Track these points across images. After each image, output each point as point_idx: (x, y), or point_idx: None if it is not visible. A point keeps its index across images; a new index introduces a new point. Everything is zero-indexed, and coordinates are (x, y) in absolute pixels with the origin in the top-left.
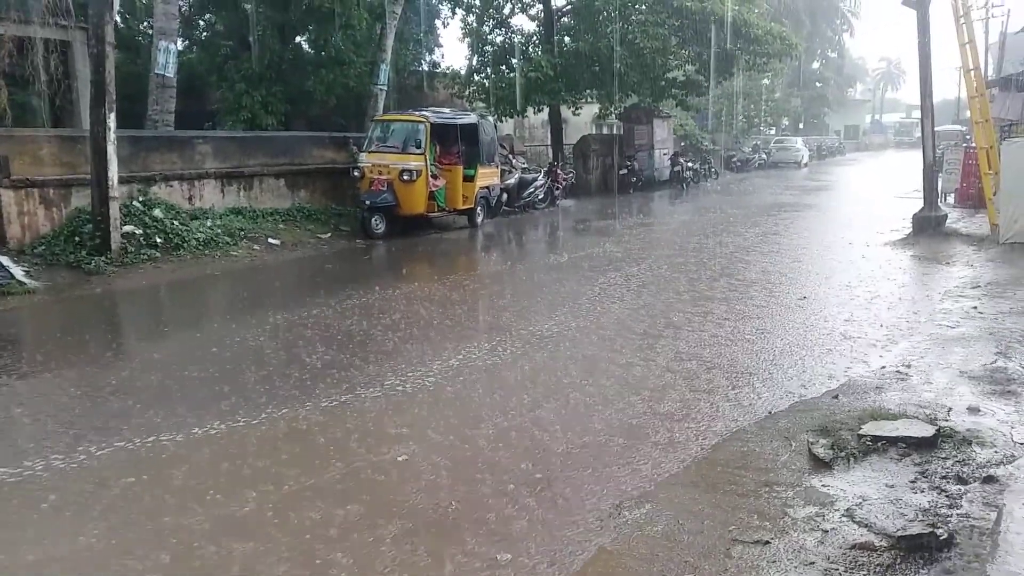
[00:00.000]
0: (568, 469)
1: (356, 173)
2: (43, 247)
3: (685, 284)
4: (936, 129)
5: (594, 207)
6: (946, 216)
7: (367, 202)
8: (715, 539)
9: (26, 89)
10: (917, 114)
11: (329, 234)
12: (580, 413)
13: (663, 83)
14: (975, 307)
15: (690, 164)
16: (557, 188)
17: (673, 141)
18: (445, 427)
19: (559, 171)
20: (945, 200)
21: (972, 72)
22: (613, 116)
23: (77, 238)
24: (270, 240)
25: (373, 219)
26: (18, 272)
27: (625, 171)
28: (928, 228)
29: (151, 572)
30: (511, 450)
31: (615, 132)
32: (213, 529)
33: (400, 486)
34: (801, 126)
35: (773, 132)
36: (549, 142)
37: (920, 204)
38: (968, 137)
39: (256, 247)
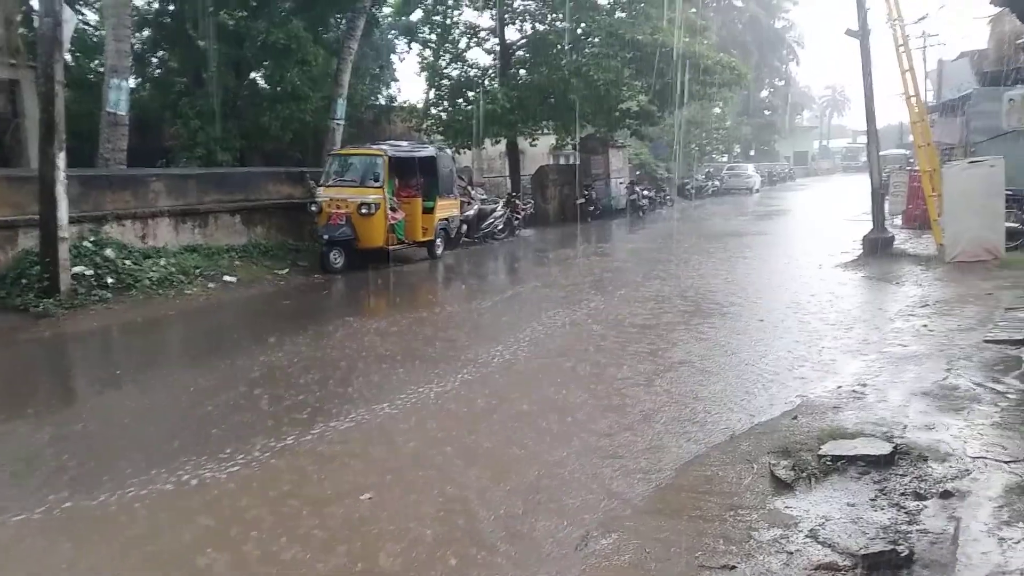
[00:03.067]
0: (532, 504)
1: (314, 208)
2: None
3: (644, 311)
4: (881, 153)
5: (553, 236)
6: (894, 237)
7: (325, 236)
8: (682, 566)
9: None
10: (863, 139)
11: (287, 270)
12: (542, 445)
13: (617, 113)
14: (925, 325)
15: (645, 192)
16: (516, 218)
17: (629, 170)
18: (408, 464)
19: (518, 201)
20: (892, 222)
21: (913, 98)
22: (569, 147)
23: (24, 280)
24: (226, 278)
25: (332, 253)
26: None
27: (582, 200)
28: (877, 249)
29: None
30: (471, 487)
31: (572, 162)
32: None
33: (362, 528)
34: (752, 153)
35: (725, 159)
36: (507, 173)
37: (869, 226)
38: (912, 160)
39: (212, 285)
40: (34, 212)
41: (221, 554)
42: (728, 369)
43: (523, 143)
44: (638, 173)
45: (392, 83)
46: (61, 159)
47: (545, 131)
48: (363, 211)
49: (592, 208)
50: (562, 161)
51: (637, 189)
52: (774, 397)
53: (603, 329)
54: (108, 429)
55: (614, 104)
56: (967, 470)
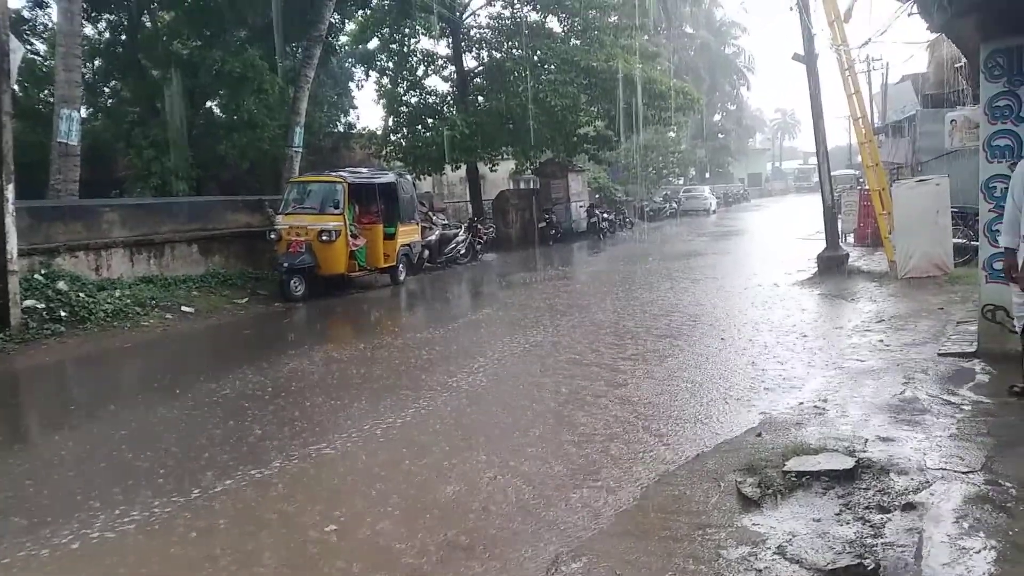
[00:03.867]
0: (499, 529)
1: (273, 236)
2: None
3: (607, 332)
4: (832, 174)
5: (515, 260)
6: (847, 255)
7: (285, 264)
8: None
9: None
10: (814, 161)
11: (246, 299)
12: (506, 469)
13: (575, 138)
14: (881, 340)
15: (605, 215)
16: (479, 243)
17: (588, 193)
18: (374, 492)
19: (479, 226)
20: (845, 240)
21: (860, 120)
22: (529, 171)
23: None
24: (183, 308)
25: (292, 281)
26: None
27: (544, 224)
28: (832, 267)
29: None
30: (437, 514)
31: (532, 187)
32: None
33: (328, 560)
34: (708, 175)
35: (682, 182)
36: (468, 198)
37: (823, 245)
38: (862, 180)
39: (169, 316)
40: None
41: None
42: (692, 388)
43: (483, 168)
44: (597, 196)
45: (351, 110)
46: (10, 191)
47: (505, 156)
48: (323, 238)
49: (553, 232)
50: (522, 186)
51: (597, 212)
52: (737, 415)
53: (566, 352)
54: (59, 468)
55: (572, 129)
56: (927, 482)
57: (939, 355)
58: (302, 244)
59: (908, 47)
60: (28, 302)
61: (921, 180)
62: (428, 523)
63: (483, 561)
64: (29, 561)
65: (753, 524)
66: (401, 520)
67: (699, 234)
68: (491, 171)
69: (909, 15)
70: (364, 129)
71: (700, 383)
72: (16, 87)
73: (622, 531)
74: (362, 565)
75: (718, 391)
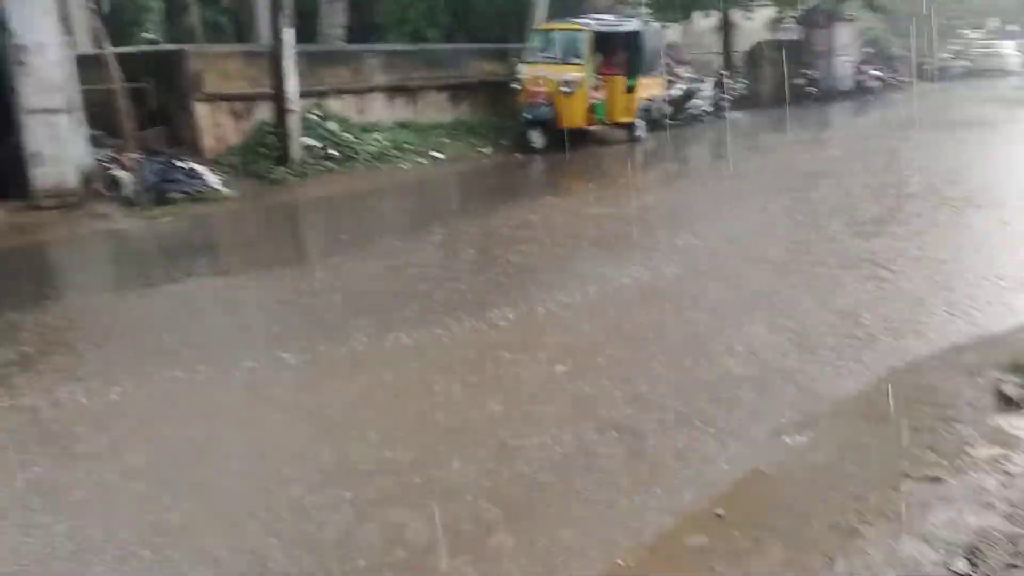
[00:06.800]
0: (720, 394)
1: (515, 86)
2: (233, 157)
3: (871, 203)
4: None
5: (764, 120)
6: None
7: (526, 115)
8: (883, 472)
9: (214, 7)
10: None
11: (490, 148)
12: (737, 335)
13: None
14: None
15: (875, 73)
16: (725, 100)
17: (858, 47)
18: (607, 343)
19: (728, 81)
20: None
21: None
22: (790, 20)
23: (261, 149)
24: (434, 154)
25: (532, 133)
26: (214, 180)
27: (801, 80)
28: None
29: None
30: (660, 372)
31: (792, 38)
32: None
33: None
34: (1015, 27)
35: (979, 36)
36: (718, 50)
37: None
38: None
39: (421, 160)
40: (266, 86)
41: (454, 386)
42: (958, 273)
43: (737, 16)
44: (869, 51)
45: None
46: (289, 35)
47: (762, 3)
48: (564, 89)
49: (812, 89)
50: (781, 37)
51: (866, 69)
52: (1009, 308)
53: (822, 220)
54: (343, 287)
55: None
56: None
57: None
58: (543, 95)
59: None
60: (306, 139)
61: None
62: (665, 377)
63: (697, 422)
64: (323, 356)
65: (1011, 426)
66: (637, 367)
67: (991, 99)
68: (746, 19)
69: None
70: None
71: (971, 267)
72: None
73: (857, 412)
74: (588, 398)
75: (990, 278)
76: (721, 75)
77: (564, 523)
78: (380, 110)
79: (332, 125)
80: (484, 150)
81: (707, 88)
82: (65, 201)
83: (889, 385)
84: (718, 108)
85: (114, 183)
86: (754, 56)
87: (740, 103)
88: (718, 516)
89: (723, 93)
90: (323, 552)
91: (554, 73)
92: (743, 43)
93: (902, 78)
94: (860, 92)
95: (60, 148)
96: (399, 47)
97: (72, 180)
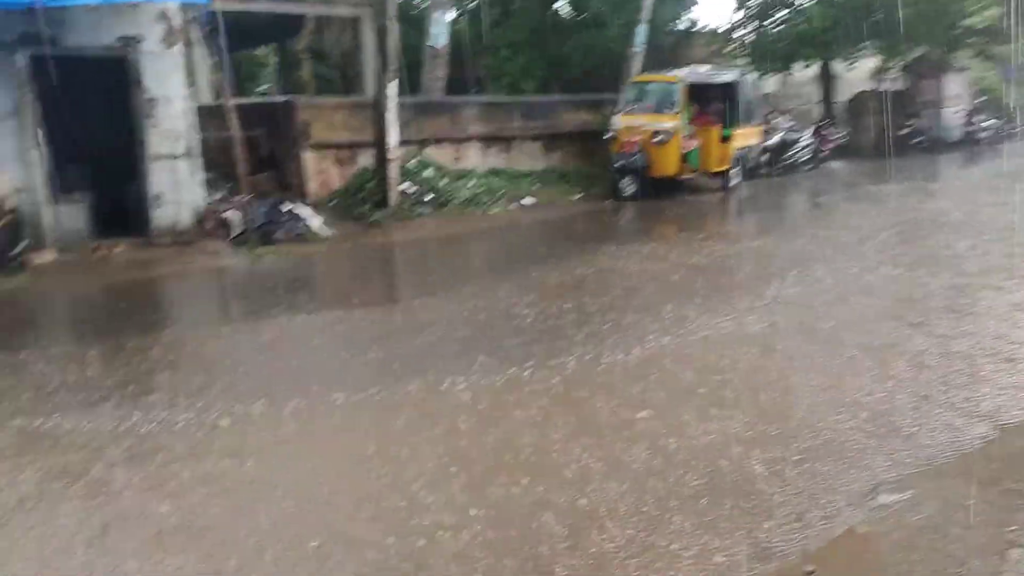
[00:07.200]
0: (811, 444)
1: (609, 135)
2: (335, 201)
3: (974, 254)
4: None
5: (865, 170)
6: None
7: (618, 163)
8: (989, 538)
9: (324, 62)
10: None
11: (580, 195)
12: (830, 382)
13: (958, 30)
14: None
15: (986, 122)
16: (825, 149)
17: (968, 97)
18: (689, 391)
19: (827, 131)
20: None
21: None
22: (895, 70)
23: (361, 194)
24: (524, 201)
25: (623, 180)
26: (316, 223)
27: (906, 131)
28: None
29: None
30: (748, 420)
31: (897, 88)
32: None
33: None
34: None
35: None
36: (817, 99)
37: None
38: None
39: (512, 206)
40: (369, 135)
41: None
42: None
43: (838, 67)
44: (980, 100)
45: (692, 7)
46: (392, 88)
47: (865, 53)
48: (657, 139)
49: (917, 140)
50: (885, 87)
51: (976, 119)
52: None
53: (923, 276)
54: (442, 325)
55: (954, 19)
56: None
57: None
58: (636, 144)
59: None
60: (403, 185)
61: None
62: (738, 429)
63: (784, 477)
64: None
65: None
66: (710, 419)
67: None
68: (848, 70)
69: None
70: (706, 27)
71: None
72: None
73: (959, 473)
74: (670, 447)
75: None
76: (820, 125)
77: None
78: (475, 157)
79: (429, 172)
80: (574, 197)
81: (806, 138)
82: (180, 239)
83: (998, 446)
84: (817, 157)
85: (224, 223)
86: (856, 106)
87: (840, 152)
88: (808, 574)
89: (822, 143)
90: None
91: (648, 122)
92: (845, 93)
93: (1016, 128)
94: (970, 143)
95: (178, 191)
96: (496, 99)
97: (187, 220)
